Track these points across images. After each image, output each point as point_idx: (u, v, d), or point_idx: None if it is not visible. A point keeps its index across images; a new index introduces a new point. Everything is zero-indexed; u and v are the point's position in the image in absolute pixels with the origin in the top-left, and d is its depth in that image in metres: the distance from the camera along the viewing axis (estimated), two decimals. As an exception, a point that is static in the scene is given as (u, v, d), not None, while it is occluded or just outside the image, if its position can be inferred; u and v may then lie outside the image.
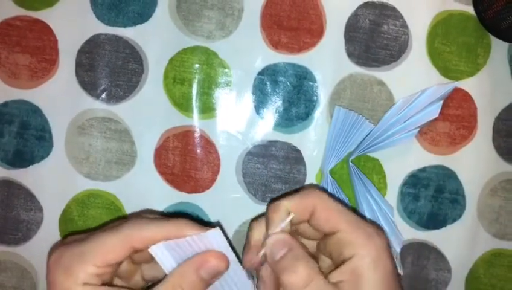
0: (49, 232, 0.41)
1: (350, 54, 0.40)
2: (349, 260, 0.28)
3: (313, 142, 0.41)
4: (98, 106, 0.40)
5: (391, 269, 0.28)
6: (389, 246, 0.29)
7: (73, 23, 0.40)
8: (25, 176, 0.40)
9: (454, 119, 0.41)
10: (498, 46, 0.41)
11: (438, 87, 0.39)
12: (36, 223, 0.41)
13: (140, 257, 0.30)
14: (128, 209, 0.41)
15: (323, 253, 0.31)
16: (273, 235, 0.29)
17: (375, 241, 0.28)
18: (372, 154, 0.41)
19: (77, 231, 0.41)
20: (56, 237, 0.41)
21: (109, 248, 0.28)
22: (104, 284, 0.28)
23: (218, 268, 0.29)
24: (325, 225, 0.29)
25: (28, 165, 0.40)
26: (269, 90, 0.40)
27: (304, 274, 0.28)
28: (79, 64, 0.40)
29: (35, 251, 0.41)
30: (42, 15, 0.40)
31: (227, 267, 0.29)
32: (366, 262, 0.28)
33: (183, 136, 0.40)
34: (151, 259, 0.29)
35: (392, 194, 0.41)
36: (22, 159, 0.40)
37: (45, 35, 0.40)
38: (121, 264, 0.29)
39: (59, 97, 0.40)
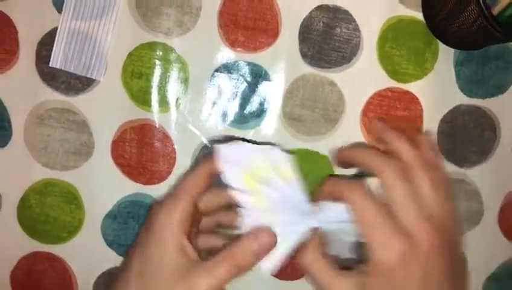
0: (7, 219, 0.42)
1: (304, 55, 0.42)
2: None
3: (266, 138, 0.42)
4: (57, 97, 0.41)
5: None
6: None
7: (33, 15, 0.40)
8: (-16, 164, 0.41)
9: (401, 120, 0.43)
10: (445, 52, 0.42)
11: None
12: (-6, 210, 0.42)
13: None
14: (85, 199, 0.42)
15: None
16: None
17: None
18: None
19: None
20: (14, 223, 0.42)
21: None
22: None
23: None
24: None
25: (-13, 153, 0.41)
26: (225, 87, 0.42)
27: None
28: (39, 56, 0.41)
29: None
30: (2, 6, 0.40)
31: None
32: None
33: (140, 129, 0.42)
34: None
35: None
36: (-19, 147, 0.41)
37: (5, 26, 0.40)
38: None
39: (19, 88, 0.41)
